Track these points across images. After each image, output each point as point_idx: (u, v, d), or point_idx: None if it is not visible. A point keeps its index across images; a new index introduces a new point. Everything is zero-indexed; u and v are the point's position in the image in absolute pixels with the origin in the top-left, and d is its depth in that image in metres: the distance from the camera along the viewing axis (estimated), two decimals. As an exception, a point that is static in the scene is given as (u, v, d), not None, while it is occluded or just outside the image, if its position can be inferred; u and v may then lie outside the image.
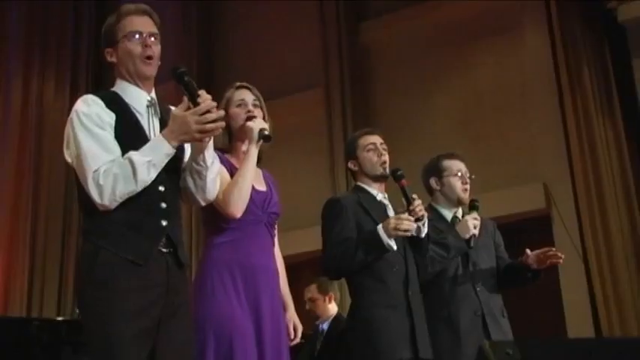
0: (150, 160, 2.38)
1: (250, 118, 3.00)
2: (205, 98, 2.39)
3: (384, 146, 3.56)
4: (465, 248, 3.66)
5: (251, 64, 8.60)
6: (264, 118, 3.06)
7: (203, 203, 2.65)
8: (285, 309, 3.08)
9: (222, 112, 2.42)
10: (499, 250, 3.91)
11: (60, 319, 5.89)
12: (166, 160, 2.43)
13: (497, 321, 3.65)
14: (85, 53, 9.23)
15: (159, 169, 2.42)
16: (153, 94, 2.59)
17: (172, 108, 2.55)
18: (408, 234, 3.26)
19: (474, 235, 3.65)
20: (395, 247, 3.26)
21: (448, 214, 3.84)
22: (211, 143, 2.52)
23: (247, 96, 3.08)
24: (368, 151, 3.52)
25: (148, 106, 2.54)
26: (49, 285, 8.29)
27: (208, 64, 8.95)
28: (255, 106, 3.06)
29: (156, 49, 2.56)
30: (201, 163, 2.52)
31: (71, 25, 9.27)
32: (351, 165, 3.56)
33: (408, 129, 7.76)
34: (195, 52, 8.70)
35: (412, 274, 3.39)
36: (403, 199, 3.41)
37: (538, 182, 7.05)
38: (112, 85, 2.59)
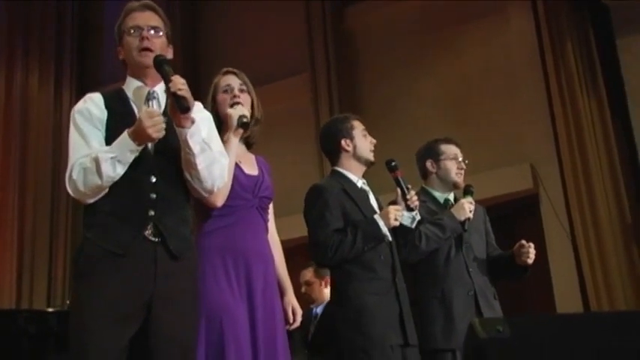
0: (114, 157, 2.39)
1: (232, 105, 2.97)
2: (175, 83, 2.39)
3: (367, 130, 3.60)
4: (460, 229, 3.69)
5: (235, 51, 8.52)
6: (252, 103, 3.04)
7: (205, 194, 2.62)
8: (283, 293, 3.07)
9: (162, 118, 2.40)
10: (489, 237, 3.96)
11: (50, 310, 5.88)
12: (132, 157, 2.42)
13: (489, 302, 3.68)
14: (69, 46, 9.17)
15: (126, 165, 2.41)
16: (157, 88, 2.60)
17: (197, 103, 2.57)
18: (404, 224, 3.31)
19: (469, 218, 3.70)
20: (390, 238, 3.30)
21: (441, 197, 3.87)
22: (197, 129, 2.48)
23: (233, 81, 3.05)
24: (364, 135, 3.53)
25: (148, 99, 2.56)
26: (37, 279, 8.24)
27: (192, 51, 8.86)
28: (242, 91, 3.03)
29: (157, 42, 2.57)
30: (187, 149, 2.49)
31: (54, 17, 9.16)
32: (344, 144, 3.51)
33: (395, 113, 7.72)
34: (178, 39, 8.28)
35: (397, 261, 3.40)
36: (398, 190, 3.41)
37: (525, 163, 7.01)
38: (118, 81, 2.67)
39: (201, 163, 2.50)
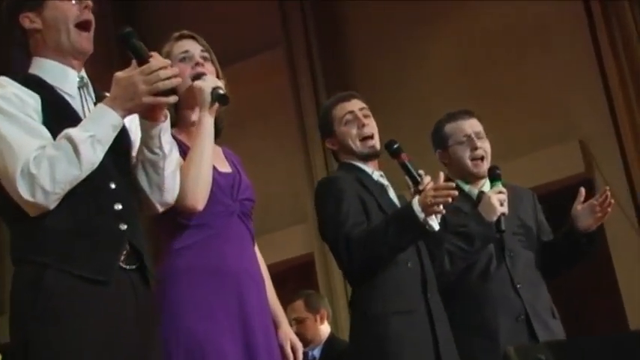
0: (93, 135, 2.35)
1: (199, 75, 2.94)
2: (159, 58, 2.41)
3: (366, 112, 3.55)
4: (494, 235, 3.60)
5: (189, 21, 7.73)
6: (217, 76, 3.01)
7: (160, 209, 2.61)
8: (276, 326, 3.07)
9: (176, 70, 2.43)
10: (543, 230, 3.86)
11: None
12: (114, 135, 2.40)
13: (547, 324, 3.64)
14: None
15: (106, 147, 2.39)
16: (84, 73, 2.58)
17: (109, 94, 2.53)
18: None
19: (503, 214, 3.58)
20: (437, 227, 3.31)
21: (473, 190, 3.80)
22: (168, 124, 2.50)
23: (192, 47, 3.03)
24: (346, 123, 3.51)
25: (80, 87, 2.54)
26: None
27: (141, 24, 8.56)
28: (204, 59, 3.01)
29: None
30: (156, 149, 2.48)
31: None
32: (329, 144, 3.57)
33: (397, 90, 7.65)
34: (129, 12, 8.61)
35: (429, 271, 3.42)
36: (407, 179, 3.40)
37: (572, 140, 7.00)
38: (24, 67, 2.56)
39: (168, 167, 2.52)
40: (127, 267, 2.42)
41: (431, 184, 3.32)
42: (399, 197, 3.54)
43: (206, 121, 2.87)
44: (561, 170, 7.00)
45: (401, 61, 7.83)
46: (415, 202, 3.26)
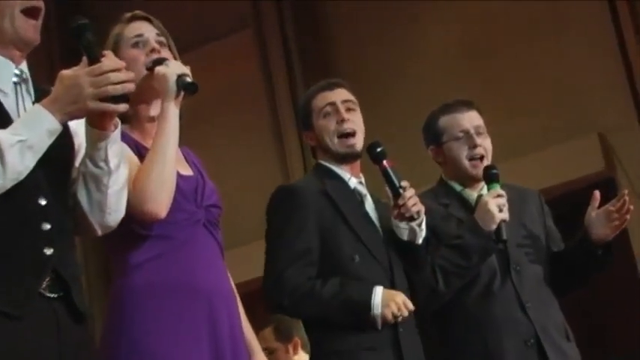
0: (23, 140, 2.31)
1: (160, 60, 2.87)
2: (113, 59, 2.40)
3: (350, 105, 3.49)
4: (493, 246, 3.56)
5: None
6: None
7: (99, 231, 2.60)
8: (250, 354, 3.08)
9: (131, 74, 2.41)
10: (552, 238, 3.80)
11: None
12: (49, 142, 2.37)
13: (560, 348, 3.59)
14: None
15: (38, 155, 2.35)
16: (24, 67, 2.55)
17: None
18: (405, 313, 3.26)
19: (504, 220, 3.51)
20: (379, 327, 3.26)
21: (471, 194, 3.75)
22: (118, 134, 2.45)
23: (147, 30, 2.98)
24: (325, 116, 3.48)
25: (16, 83, 2.51)
26: None
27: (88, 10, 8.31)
28: (160, 44, 2.95)
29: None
30: (101, 163, 2.44)
31: None
32: (307, 139, 3.57)
33: (390, 77, 7.58)
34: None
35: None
36: (387, 189, 3.36)
37: (591, 133, 6.86)
38: None
39: (113, 184, 2.47)
40: (50, 295, 2.37)
41: (412, 201, 3.29)
42: (377, 204, 3.46)
43: (170, 114, 2.80)
44: (578, 168, 6.86)
45: (394, 43, 7.72)
46: (378, 294, 3.24)
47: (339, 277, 3.30)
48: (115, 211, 2.54)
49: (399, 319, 3.24)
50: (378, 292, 3.25)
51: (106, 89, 2.31)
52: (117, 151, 2.48)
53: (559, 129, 7.00)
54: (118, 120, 2.45)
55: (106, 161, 2.43)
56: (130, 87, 2.37)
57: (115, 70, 2.34)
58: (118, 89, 2.32)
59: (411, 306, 3.27)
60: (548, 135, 6.98)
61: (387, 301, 3.24)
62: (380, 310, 3.22)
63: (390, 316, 3.21)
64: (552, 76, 7.18)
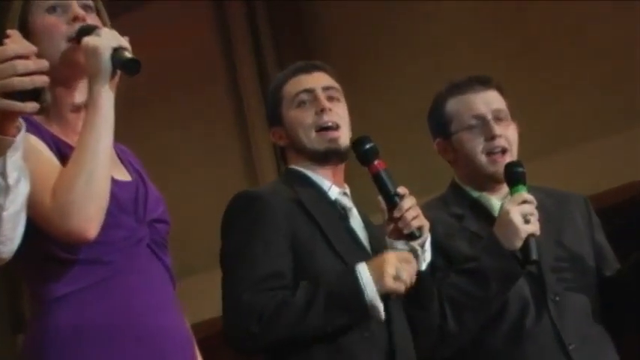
0: None
1: (89, 29, 2.64)
2: (20, 41, 2.35)
3: (333, 92, 3.35)
4: (519, 270, 3.37)
5: None
6: None
7: None
8: None
9: (44, 62, 2.29)
10: (604, 258, 3.58)
11: None
12: None
13: None
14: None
15: None
16: None
17: None
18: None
19: (533, 235, 3.30)
20: (383, 317, 3.11)
21: (490, 201, 3.58)
22: (20, 141, 2.32)
23: None
24: (299, 105, 3.36)
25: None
26: None
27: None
28: (85, 9, 2.73)
29: None
30: None
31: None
32: (274, 138, 3.46)
33: (380, 59, 7.33)
34: None
35: (402, 340, 3.23)
36: (379, 197, 3.25)
37: (638, 128, 6.41)
38: None
39: (10, 205, 2.37)
40: None
41: (411, 213, 3.17)
42: (367, 221, 3.36)
43: (103, 101, 2.63)
44: (622, 169, 6.43)
45: (382, 19, 7.32)
46: (364, 269, 3.08)
47: (305, 281, 3.12)
48: (11, 239, 2.40)
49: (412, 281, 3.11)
50: (362, 269, 3.09)
51: (10, 82, 2.22)
52: (17, 164, 2.33)
53: (609, 118, 6.51)
54: (22, 122, 2.28)
55: (4, 175, 2.32)
56: (43, 80, 2.25)
57: (23, 57, 2.23)
58: (26, 82, 2.22)
59: (411, 259, 3.15)
60: (594, 126, 6.53)
61: (379, 271, 3.08)
62: (374, 288, 3.07)
63: (394, 285, 3.05)
64: (601, 51, 6.67)
